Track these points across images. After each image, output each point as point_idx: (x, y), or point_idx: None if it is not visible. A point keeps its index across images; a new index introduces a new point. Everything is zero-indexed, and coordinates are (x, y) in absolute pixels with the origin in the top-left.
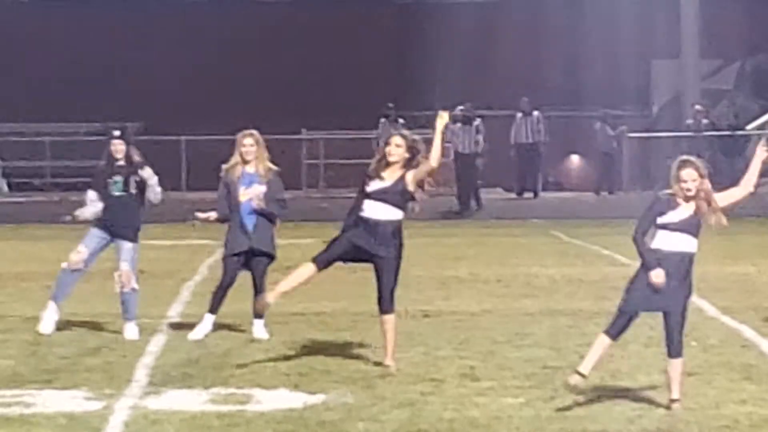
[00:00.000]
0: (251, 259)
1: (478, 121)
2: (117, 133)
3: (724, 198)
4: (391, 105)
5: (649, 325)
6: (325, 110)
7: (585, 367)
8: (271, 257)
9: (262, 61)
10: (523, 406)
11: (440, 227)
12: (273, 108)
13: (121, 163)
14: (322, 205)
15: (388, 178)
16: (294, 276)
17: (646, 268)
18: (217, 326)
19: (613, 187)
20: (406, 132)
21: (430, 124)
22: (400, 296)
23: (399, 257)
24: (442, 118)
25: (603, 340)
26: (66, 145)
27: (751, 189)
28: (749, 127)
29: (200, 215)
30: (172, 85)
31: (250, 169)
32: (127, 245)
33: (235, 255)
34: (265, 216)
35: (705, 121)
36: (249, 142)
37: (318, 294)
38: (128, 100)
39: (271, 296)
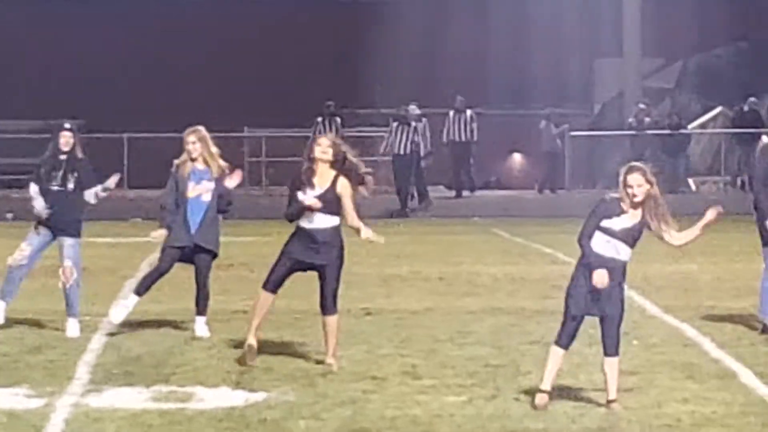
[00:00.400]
0: (194, 255)
1: (424, 121)
2: (68, 125)
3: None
4: (330, 102)
5: (589, 323)
6: (268, 108)
7: (546, 384)
8: (214, 255)
9: (204, 58)
10: (465, 404)
11: (382, 225)
12: (215, 105)
13: (64, 157)
14: (263, 202)
15: (319, 184)
16: (256, 310)
17: (588, 269)
18: (159, 324)
19: (555, 185)
20: (331, 135)
21: (374, 122)
22: (342, 294)
23: (341, 260)
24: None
25: (556, 352)
26: (6, 142)
27: (678, 244)
28: (691, 126)
29: (154, 235)
30: (114, 82)
31: (200, 165)
32: (68, 241)
33: (175, 247)
34: (214, 212)
35: (647, 119)
36: (192, 140)
37: (258, 291)
38: (69, 97)
39: (250, 338)
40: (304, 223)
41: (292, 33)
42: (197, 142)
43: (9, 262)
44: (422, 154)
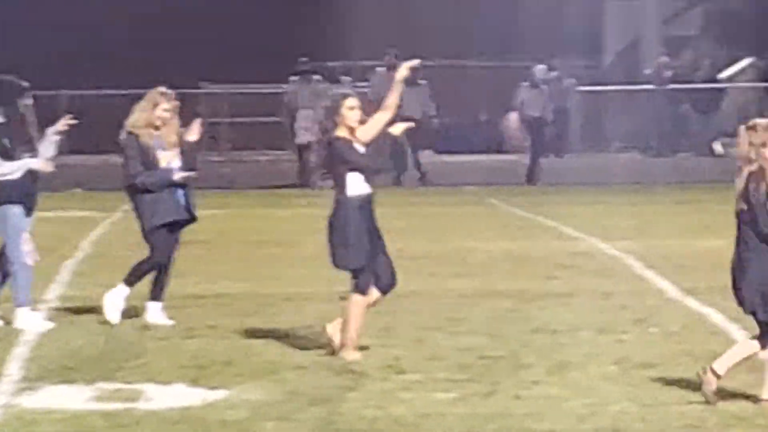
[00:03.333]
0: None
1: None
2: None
3: None
4: (304, 59)
5: (599, 308)
6: (228, 61)
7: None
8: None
9: (154, 5)
10: (456, 401)
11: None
12: (166, 58)
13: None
14: (223, 170)
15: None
16: (353, 318)
17: None
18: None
19: (561, 149)
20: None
21: (351, 74)
22: (314, 276)
23: None
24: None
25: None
26: None
27: None
28: (720, 77)
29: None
30: (50, 35)
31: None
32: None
33: (165, 225)
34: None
35: (668, 73)
36: (166, 107)
37: (218, 272)
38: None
39: (352, 352)
40: (362, 189)
41: None
42: (170, 112)
43: (29, 261)
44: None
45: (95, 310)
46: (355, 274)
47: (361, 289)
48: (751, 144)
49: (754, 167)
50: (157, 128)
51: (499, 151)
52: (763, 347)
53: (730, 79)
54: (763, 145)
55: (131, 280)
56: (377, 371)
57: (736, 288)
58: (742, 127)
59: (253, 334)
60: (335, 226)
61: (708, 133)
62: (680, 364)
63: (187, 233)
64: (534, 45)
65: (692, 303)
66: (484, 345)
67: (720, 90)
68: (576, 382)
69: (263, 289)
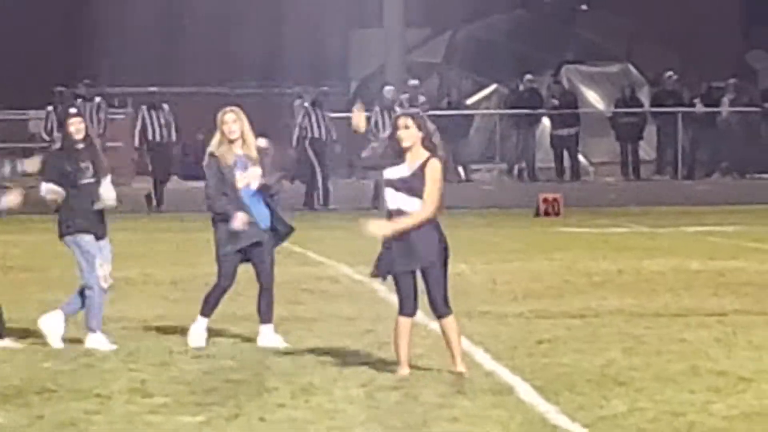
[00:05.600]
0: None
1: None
2: (74, 110)
3: None
4: (60, 89)
5: (345, 333)
6: None
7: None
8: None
9: None
10: (202, 425)
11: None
12: None
13: (82, 145)
14: None
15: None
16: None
17: None
18: None
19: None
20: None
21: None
22: (49, 301)
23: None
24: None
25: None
26: None
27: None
28: (467, 103)
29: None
30: None
31: (239, 150)
32: (107, 244)
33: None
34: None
35: (422, 98)
36: (231, 118)
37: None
38: None
39: (461, 365)
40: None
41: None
42: (237, 121)
43: (104, 285)
44: None
45: None
46: None
47: None
48: None
49: None
50: (232, 142)
51: None
52: None
53: (474, 106)
54: None
55: (205, 310)
56: (123, 394)
57: None
58: None
59: None
60: None
61: (457, 159)
62: (425, 387)
63: None
64: (291, 72)
65: (437, 327)
66: (228, 368)
67: (466, 116)
68: (320, 405)
69: (10, 314)
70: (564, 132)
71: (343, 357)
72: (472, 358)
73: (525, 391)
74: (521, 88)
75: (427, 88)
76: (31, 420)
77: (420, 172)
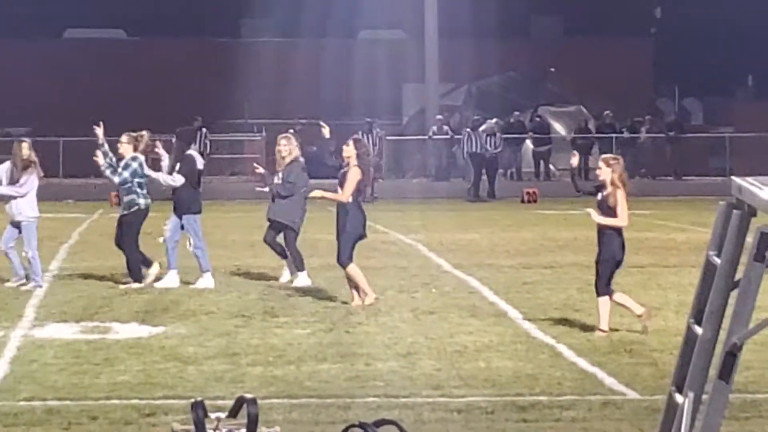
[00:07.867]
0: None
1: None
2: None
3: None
4: (197, 117)
5: (399, 276)
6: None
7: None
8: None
9: None
10: (309, 335)
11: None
12: None
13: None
14: None
15: None
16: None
17: None
18: (89, 276)
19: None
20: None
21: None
22: (220, 255)
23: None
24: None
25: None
26: None
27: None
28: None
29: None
30: None
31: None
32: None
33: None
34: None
35: (445, 127)
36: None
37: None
38: None
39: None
40: None
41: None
42: (288, 145)
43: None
44: None
45: (81, 275)
46: None
47: None
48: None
49: None
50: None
51: None
52: None
53: (485, 130)
54: None
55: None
56: (259, 315)
57: None
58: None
59: (181, 288)
60: None
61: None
62: (451, 312)
63: None
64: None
65: (459, 273)
66: (326, 298)
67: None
68: (385, 323)
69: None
70: (540, 149)
71: (399, 292)
72: (481, 293)
73: (515, 315)
74: (512, 120)
75: (453, 121)
76: (201, 331)
77: None
